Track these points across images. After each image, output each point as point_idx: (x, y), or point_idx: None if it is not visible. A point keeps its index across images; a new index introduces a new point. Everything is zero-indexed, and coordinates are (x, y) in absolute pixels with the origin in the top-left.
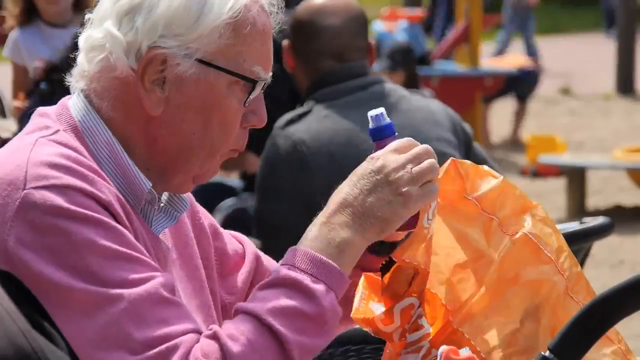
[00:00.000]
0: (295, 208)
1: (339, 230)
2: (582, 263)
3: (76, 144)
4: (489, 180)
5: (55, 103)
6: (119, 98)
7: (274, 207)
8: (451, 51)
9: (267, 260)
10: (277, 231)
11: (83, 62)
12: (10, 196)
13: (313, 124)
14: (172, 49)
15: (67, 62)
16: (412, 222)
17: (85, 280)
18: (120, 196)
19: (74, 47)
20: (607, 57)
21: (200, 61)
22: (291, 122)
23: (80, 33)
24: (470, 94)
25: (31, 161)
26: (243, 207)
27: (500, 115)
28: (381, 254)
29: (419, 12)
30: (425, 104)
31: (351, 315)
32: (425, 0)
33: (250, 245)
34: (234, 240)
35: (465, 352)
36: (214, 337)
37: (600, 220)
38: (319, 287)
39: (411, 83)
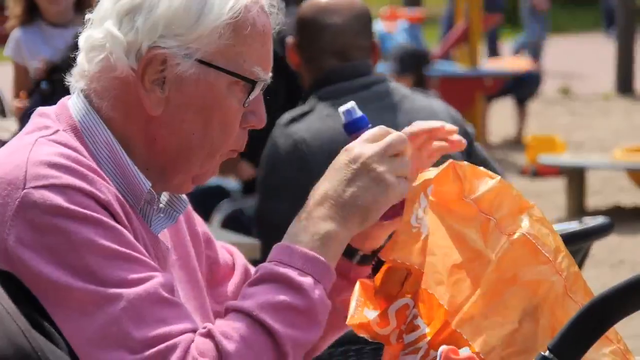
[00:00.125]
0: (296, 207)
1: (321, 223)
2: (581, 263)
3: (76, 143)
4: (486, 181)
5: (55, 103)
6: (119, 98)
7: (274, 206)
8: (451, 51)
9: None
10: (278, 230)
11: (83, 62)
12: (10, 196)
13: (314, 122)
14: (172, 49)
15: (68, 62)
16: (395, 213)
17: (85, 280)
18: (120, 196)
19: (75, 46)
20: (607, 57)
21: (200, 61)
22: (293, 120)
23: (81, 33)
24: (470, 94)
25: (31, 161)
26: (240, 208)
27: (500, 115)
28: (366, 263)
29: (418, 12)
30: (427, 104)
31: (347, 322)
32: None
33: (240, 257)
34: (224, 251)
35: (465, 351)
36: (209, 335)
37: (600, 220)
38: (307, 280)
39: (419, 86)
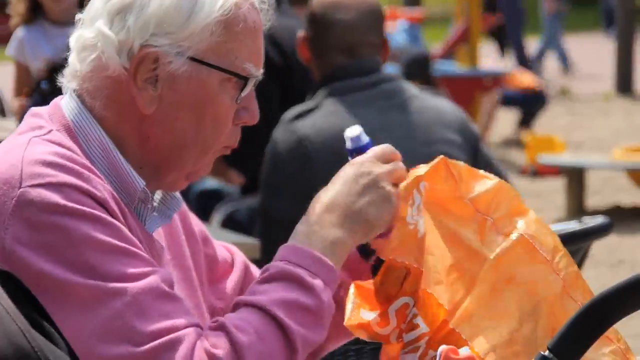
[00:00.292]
0: (298, 204)
1: (330, 229)
2: (581, 263)
3: (69, 143)
4: (484, 182)
5: None
6: (112, 97)
7: (277, 202)
8: (451, 51)
9: (255, 270)
10: (281, 227)
11: (75, 62)
12: (6, 195)
13: (319, 119)
14: (164, 47)
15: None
16: (387, 232)
17: (85, 275)
18: (115, 194)
19: None
20: (607, 57)
21: (192, 59)
22: (299, 117)
23: None
24: (470, 94)
25: (26, 160)
26: (239, 209)
27: (500, 115)
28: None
29: (418, 12)
30: (434, 104)
31: (345, 323)
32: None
33: (239, 255)
34: (223, 249)
35: (464, 351)
36: (221, 327)
37: (599, 220)
38: (317, 282)
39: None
